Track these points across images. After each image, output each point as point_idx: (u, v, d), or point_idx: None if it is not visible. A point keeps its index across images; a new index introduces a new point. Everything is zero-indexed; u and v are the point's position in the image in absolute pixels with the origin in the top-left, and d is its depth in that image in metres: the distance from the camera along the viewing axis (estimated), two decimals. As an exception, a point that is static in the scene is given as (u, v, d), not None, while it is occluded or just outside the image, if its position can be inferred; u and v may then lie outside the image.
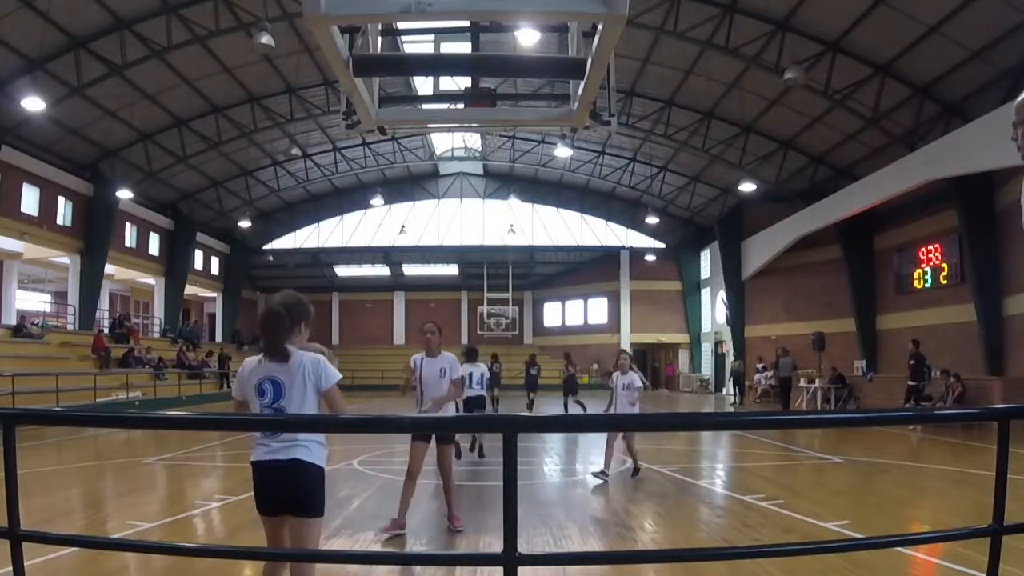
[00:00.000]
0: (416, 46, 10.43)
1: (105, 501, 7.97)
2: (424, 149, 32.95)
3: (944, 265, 19.75)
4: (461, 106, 7.09)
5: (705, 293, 35.18)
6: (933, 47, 15.80)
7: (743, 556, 4.09)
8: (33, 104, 16.96)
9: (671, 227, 34.79)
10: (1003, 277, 17.35)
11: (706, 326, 35.06)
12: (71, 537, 4.10)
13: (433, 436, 5.94)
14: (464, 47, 7.70)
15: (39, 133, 20.61)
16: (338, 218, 36.41)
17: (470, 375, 9.50)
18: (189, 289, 31.68)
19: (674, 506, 7.26)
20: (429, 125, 14.57)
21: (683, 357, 36.72)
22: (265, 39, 16.24)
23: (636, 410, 8.60)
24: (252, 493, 3.23)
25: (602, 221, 36.02)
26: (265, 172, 30.25)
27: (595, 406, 15.72)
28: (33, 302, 28.35)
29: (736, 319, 29.71)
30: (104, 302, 27.33)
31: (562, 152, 28.15)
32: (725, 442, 13.03)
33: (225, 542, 5.68)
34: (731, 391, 28.10)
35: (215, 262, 34.90)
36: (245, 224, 31.54)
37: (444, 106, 7.82)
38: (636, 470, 8.73)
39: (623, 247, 36.44)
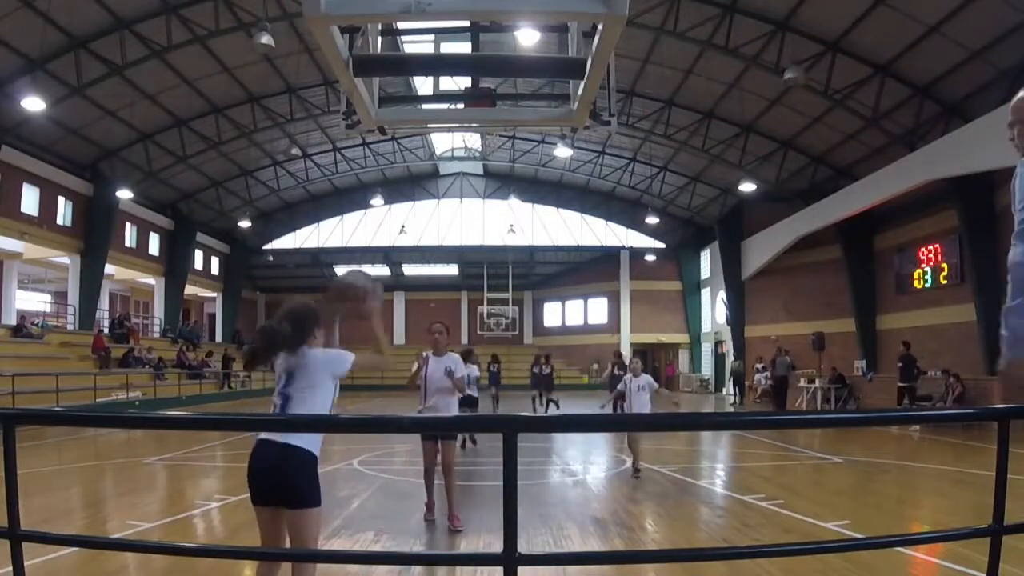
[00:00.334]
0: (416, 46, 10.41)
1: (105, 501, 7.98)
2: (424, 149, 32.94)
3: (944, 265, 19.74)
4: (461, 106, 7.08)
5: (705, 293, 35.18)
6: (933, 47, 15.81)
7: (743, 556, 4.09)
8: (33, 104, 16.98)
9: (671, 227, 34.79)
10: (1003, 277, 17.30)
11: (706, 326, 35.07)
12: (71, 537, 4.10)
13: None
14: (464, 47, 7.68)
15: (39, 133, 20.62)
16: (338, 218, 36.39)
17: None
18: (189, 289, 31.68)
19: (674, 506, 7.26)
20: (429, 125, 14.55)
21: (683, 357, 36.72)
22: (265, 39, 16.25)
23: (649, 410, 8.87)
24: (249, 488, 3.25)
25: (602, 221, 36.02)
26: (265, 172, 30.25)
27: (569, 406, 15.54)
28: (33, 302, 28.35)
29: (736, 319, 29.73)
30: (104, 302, 27.33)
31: (562, 152, 28.14)
32: (725, 442, 13.03)
33: (225, 542, 5.69)
34: (731, 391, 28.11)
35: (215, 262, 34.89)
36: (245, 224, 31.53)
37: (444, 106, 7.80)
38: (637, 470, 8.80)
39: (623, 247, 36.44)
